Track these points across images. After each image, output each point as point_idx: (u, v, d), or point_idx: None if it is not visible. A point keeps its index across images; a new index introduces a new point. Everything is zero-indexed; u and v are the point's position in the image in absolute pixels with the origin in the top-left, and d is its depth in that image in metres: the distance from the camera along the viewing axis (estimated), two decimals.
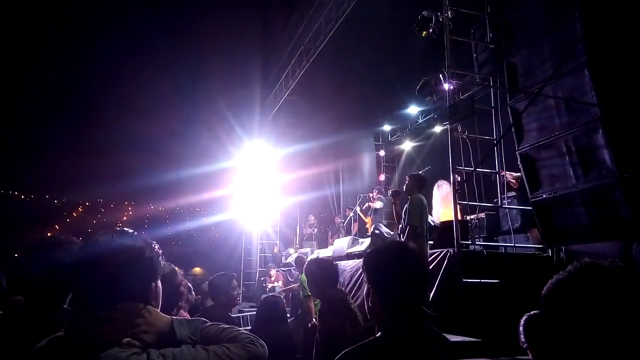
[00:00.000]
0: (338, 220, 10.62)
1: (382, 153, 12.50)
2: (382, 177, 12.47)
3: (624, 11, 4.65)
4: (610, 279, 0.79)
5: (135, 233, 1.19)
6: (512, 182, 6.15)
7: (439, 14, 5.70)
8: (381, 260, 1.34)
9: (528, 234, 5.99)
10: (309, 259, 3.39)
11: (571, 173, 4.87)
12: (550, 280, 0.86)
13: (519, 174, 5.93)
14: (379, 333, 1.29)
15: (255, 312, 4.17)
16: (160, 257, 1.19)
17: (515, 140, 5.51)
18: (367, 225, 9.40)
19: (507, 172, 5.99)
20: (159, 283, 1.19)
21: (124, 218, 48.69)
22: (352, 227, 10.19)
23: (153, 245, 1.17)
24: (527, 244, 5.90)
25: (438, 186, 6.74)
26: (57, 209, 47.50)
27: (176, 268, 2.43)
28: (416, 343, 1.25)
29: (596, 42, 4.67)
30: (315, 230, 11.27)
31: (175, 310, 2.36)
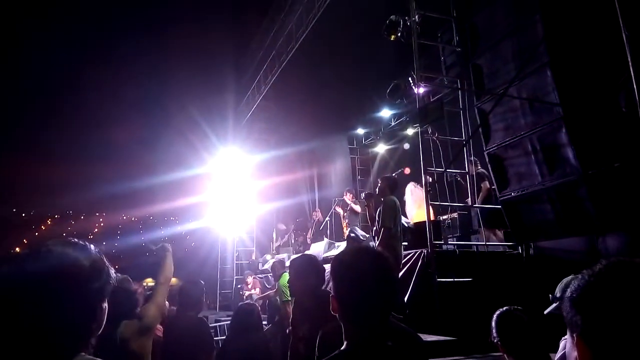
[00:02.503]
0: (315, 215, 10.44)
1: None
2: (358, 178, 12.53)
3: (582, 13, 4.82)
4: None
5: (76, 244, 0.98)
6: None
7: (406, 18, 5.79)
8: (340, 269, 1.31)
9: (479, 233, 6.13)
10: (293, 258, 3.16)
11: (537, 171, 5.01)
12: (576, 284, 0.81)
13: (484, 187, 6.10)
14: (345, 343, 1.26)
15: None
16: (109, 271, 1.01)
17: (483, 141, 5.63)
18: (344, 229, 9.39)
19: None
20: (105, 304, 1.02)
21: (95, 230, 47.32)
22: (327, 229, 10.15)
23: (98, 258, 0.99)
24: (498, 242, 6.03)
25: (410, 187, 6.81)
26: (25, 222, 45.79)
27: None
28: (383, 351, 1.22)
29: (557, 44, 4.83)
30: (286, 236, 11.18)
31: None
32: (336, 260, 1.35)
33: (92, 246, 1.00)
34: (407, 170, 9.28)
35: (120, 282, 2.22)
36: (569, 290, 0.83)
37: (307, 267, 2.91)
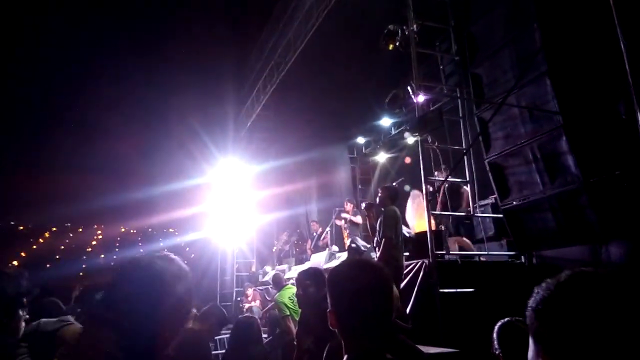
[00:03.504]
0: (315, 226, 10.38)
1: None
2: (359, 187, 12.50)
3: (580, 22, 4.84)
4: (604, 284, 0.75)
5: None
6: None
7: (404, 27, 5.81)
8: (336, 283, 1.31)
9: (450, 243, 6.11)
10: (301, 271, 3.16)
11: (538, 179, 4.98)
12: (540, 294, 0.80)
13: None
14: (345, 357, 1.25)
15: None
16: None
17: (483, 149, 5.62)
18: (345, 239, 9.33)
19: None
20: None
21: (94, 242, 47.07)
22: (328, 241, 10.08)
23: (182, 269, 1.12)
24: (500, 252, 5.98)
25: (412, 197, 6.77)
26: (22, 235, 45.55)
27: None
28: None
29: (555, 52, 4.84)
30: (287, 246, 11.11)
31: None
32: (331, 275, 1.35)
33: (183, 263, 1.13)
34: (408, 160, 9.30)
35: None
36: (532, 300, 0.82)
37: (311, 280, 2.91)
